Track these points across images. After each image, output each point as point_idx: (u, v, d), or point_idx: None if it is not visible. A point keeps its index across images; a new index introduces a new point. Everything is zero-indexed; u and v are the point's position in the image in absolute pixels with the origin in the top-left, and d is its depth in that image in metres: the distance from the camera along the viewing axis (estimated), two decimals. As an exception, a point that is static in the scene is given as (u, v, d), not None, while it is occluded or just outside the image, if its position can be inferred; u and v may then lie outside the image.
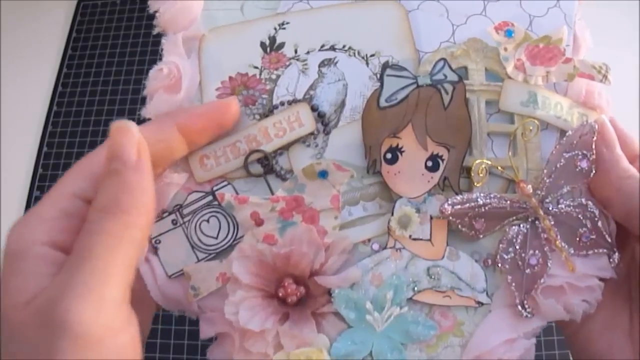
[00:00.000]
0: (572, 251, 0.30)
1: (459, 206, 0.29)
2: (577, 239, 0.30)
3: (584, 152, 0.30)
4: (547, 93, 0.31)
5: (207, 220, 0.30)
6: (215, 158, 0.31)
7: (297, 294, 0.28)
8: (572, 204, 0.30)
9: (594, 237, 0.30)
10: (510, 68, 0.31)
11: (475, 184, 0.29)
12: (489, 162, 0.29)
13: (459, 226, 0.29)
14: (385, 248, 0.29)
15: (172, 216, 0.30)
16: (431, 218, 0.29)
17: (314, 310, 0.28)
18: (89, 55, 0.74)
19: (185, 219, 0.30)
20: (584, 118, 0.32)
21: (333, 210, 0.29)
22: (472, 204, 0.29)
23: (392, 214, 0.29)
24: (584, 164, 0.30)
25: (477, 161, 0.29)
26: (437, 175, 0.30)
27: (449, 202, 0.29)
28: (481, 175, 0.29)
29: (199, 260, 0.30)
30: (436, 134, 0.30)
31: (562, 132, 0.32)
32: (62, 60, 0.74)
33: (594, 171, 0.30)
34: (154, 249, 0.30)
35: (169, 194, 0.30)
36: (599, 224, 0.30)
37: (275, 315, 0.28)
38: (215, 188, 0.31)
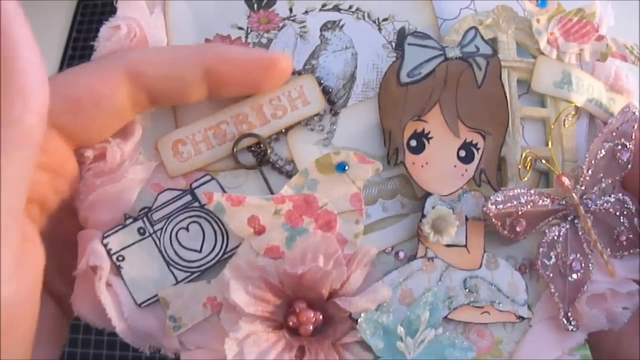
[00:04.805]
0: (609, 252, 0.26)
1: (502, 206, 0.24)
2: (615, 238, 0.26)
3: (624, 142, 0.27)
4: (580, 73, 0.28)
5: (186, 228, 0.23)
6: (193, 144, 0.24)
7: (313, 322, 0.22)
8: (610, 199, 0.26)
9: (631, 236, 0.27)
10: (543, 43, 0.27)
11: (521, 178, 0.25)
12: (535, 153, 0.25)
13: (501, 229, 0.24)
14: (414, 257, 0.24)
15: (139, 223, 0.22)
16: (466, 219, 0.24)
17: (334, 341, 0.22)
18: (89, 55, 0.67)
19: (157, 227, 0.22)
20: (611, 103, 0.29)
21: (354, 213, 0.23)
22: (515, 202, 0.24)
23: (423, 216, 0.24)
24: (624, 156, 0.27)
25: (527, 151, 0.25)
26: (471, 168, 0.25)
27: (492, 201, 0.24)
28: (527, 167, 0.25)
29: (178, 282, 0.22)
30: (469, 117, 0.25)
31: (592, 119, 0.28)
32: (62, 60, 0.72)
33: (630, 164, 0.27)
34: (117, 269, 0.22)
35: (132, 193, 0.23)
36: (635, 221, 0.27)
37: (288, 351, 0.21)
38: (195, 184, 0.23)
